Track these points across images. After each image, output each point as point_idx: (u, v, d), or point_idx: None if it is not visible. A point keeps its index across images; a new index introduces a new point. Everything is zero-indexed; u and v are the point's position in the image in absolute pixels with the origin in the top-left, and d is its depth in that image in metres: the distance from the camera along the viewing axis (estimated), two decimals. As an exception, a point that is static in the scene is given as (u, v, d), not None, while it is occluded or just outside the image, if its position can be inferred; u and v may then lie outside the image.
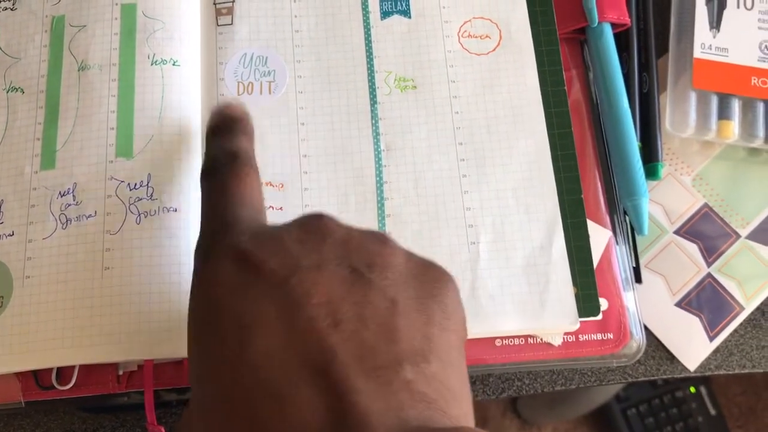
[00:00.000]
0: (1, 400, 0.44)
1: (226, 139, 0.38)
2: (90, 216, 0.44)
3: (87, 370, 0.44)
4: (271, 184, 0.46)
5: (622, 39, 0.51)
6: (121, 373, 0.44)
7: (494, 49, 0.49)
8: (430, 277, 0.32)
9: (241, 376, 0.27)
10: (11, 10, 0.49)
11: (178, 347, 0.42)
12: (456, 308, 0.32)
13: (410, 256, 0.32)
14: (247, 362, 0.27)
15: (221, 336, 0.29)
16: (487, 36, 0.49)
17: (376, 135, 0.47)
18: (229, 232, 0.32)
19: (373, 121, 0.48)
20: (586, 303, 0.44)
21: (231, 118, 0.39)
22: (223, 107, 0.40)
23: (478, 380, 0.46)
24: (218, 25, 0.49)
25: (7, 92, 0.48)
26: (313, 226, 0.31)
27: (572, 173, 0.47)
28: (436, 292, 0.31)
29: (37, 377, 0.44)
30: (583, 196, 0.46)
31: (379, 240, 0.32)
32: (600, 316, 0.44)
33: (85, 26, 0.48)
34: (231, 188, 0.35)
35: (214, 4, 0.49)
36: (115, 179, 0.45)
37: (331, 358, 0.27)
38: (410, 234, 0.45)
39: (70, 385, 0.44)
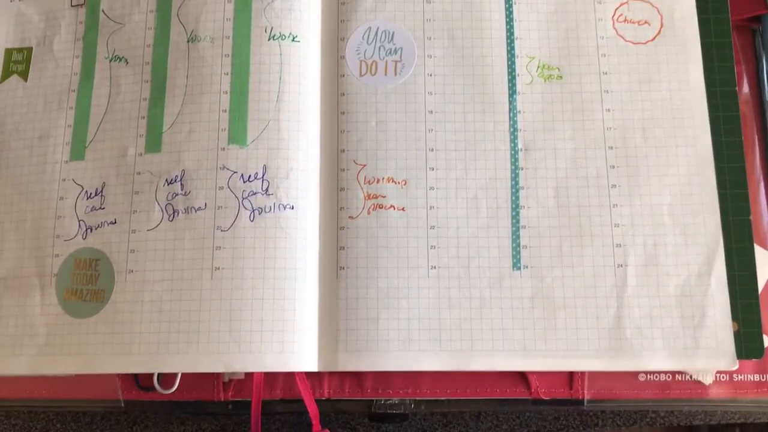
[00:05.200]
0: (100, 396, 0.42)
1: None
2: (200, 208, 0.40)
3: (191, 374, 0.41)
4: (392, 180, 0.41)
5: (803, 30, 0.44)
6: (227, 380, 0.41)
7: (654, 38, 0.43)
8: None
9: None
10: (115, -33, 0.45)
11: (291, 359, 0.38)
12: None
13: None
14: None
15: None
16: (645, 22, 0.43)
17: (514, 131, 0.42)
18: None
19: (511, 114, 0.42)
20: (748, 342, 0.39)
21: None
22: None
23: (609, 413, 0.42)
24: (341, -6, 0.43)
25: (110, 61, 0.43)
26: None
27: (740, 190, 0.41)
28: None
29: (137, 377, 0.41)
30: (751, 217, 0.40)
31: None
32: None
33: (195, -9, 0.43)
34: None
35: (338, -31, 0.44)
36: (228, 169, 0.41)
37: None
38: (548, 250, 0.40)
39: (173, 389, 0.41)
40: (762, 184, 0.42)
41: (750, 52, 0.44)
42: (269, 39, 0.42)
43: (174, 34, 0.43)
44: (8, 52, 0.45)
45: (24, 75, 0.45)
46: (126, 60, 0.43)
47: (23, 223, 0.42)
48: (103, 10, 0.44)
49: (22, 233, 0.42)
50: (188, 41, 0.42)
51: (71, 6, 0.45)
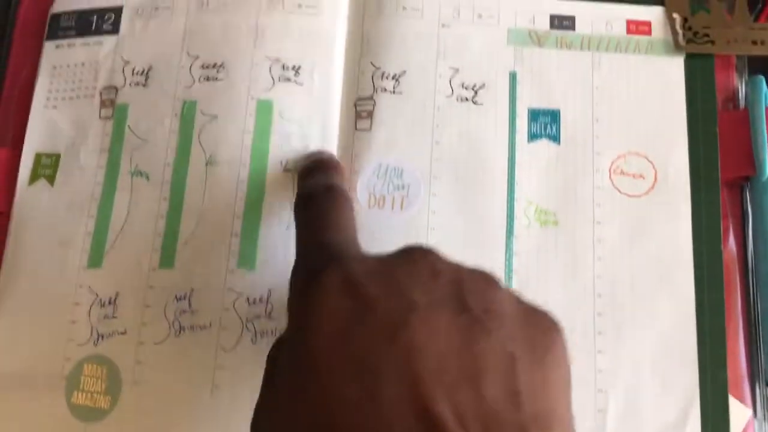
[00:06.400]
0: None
1: (320, 176, 0.40)
2: (204, 327, 0.43)
3: (185, 487, 0.43)
4: (391, 311, 0.43)
5: (789, 192, 0.46)
6: (219, 495, 0.43)
7: (647, 192, 0.45)
8: (542, 328, 0.30)
9: (365, 420, 0.25)
10: (143, 86, 0.47)
11: (281, 483, 0.40)
12: (567, 363, 0.30)
13: (519, 302, 0.31)
14: (371, 409, 0.25)
15: (339, 376, 0.26)
16: (641, 176, 0.45)
17: (509, 272, 0.44)
18: (335, 260, 0.31)
19: (507, 255, 0.44)
20: (718, 499, 0.41)
21: (322, 159, 0.42)
22: (315, 152, 0.44)
23: None
24: (356, 130, 0.46)
25: (132, 176, 0.46)
26: (423, 260, 0.30)
27: (718, 347, 0.43)
28: (549, 345, 0.29)
29: (134, 484, 0.43)
30: (727, 374, 0.42)
31: (490, 281, 0.30)
32: None
33: (216, 117, 0.46)
34: (330, 215, 0.36)
35: (355, 106, 0.46)
36: (234, 291, 0.43)
37: (447, 418, 0.25)
38: (534, 391, 0.42)
39: (167, 499, 0.43)
40: (742, 339, 0.44)
41: (738, 206, 0.46)
42: (284, 170, 0.44)
43: (194, 155, 0.45)
44: (38, 156, 0.48)
45: (51, 180, 0.47)
46: (147, 176, 0.46)
47: (38, 323, 0.44)
48: (129, 126, 0.47)
49: (36, 333, 0.44)
50: (206, 164, 0.45)
51: (100, 118, 0.48)
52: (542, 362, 0.28)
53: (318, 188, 0.38)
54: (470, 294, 0.29)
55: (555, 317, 0.31)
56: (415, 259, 0.30)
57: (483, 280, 0.30)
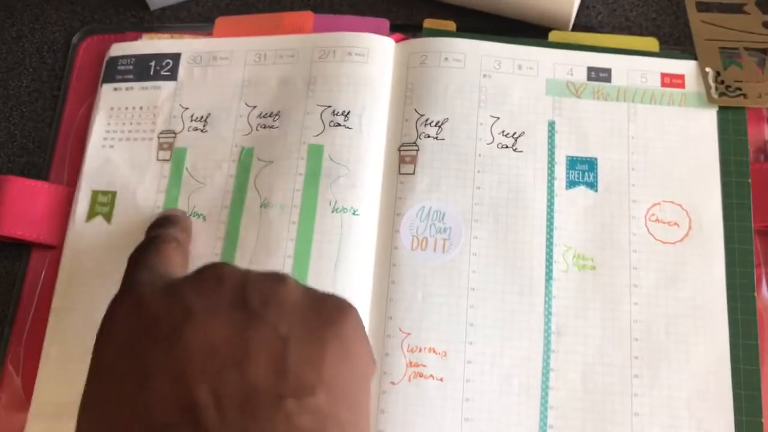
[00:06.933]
0: None
1: (159, 229, 0.44)
2: (256, 363, 0.44)
3: None
4: (434, 351, 0.45)
5: (820, 242, 0.47)
6: None
7: (682, 239, 0.47)
8: (328, 308, 0.33)
9: (136, 416, 0.29)
10: (201, 131, 0.50)
11: None
12: (356, 338, 0.33)
13: (308, 291, 0.33)
14: (141, 402, 0.29)
15: (120, 383, 0.30)
16: (675, 223, 0.47)
17: (548, 314, 0.46)
18: (133, 287, 0.35)
19: (546, 298, 0.46)
20: None
21: (166, 216, 0.46)
22: (165, 210, 0.48)
23: None
24: (400, 174, 0.48)
25: (190, 216, 0.48)
26: (210, 273, 0.33)
27: (753, 392, 0.44)
28: (332, 324, 0.32)
29: None
30: (763, 419, 0.44)
31: (276, 279, 0.33)
32: None
33: (272, 162, 0.48)
34: (146, 258, 0.39)
35: (399, 150, 0.49)
36: (285, 329, 0.45)
37: (206, 402, 0.28)
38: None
39: None
40: (775, 384, 0.45)
41: (770, 255, 0.48)
42: (332, 211, 0.47)
43: (249, 198, 0.48)
44: (95, 193, 0.50)
45: (108, 217, 0.49)
46: (204, 217, 0.48)
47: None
48: (187, 168, 0.49)
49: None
50: (261, 206, 0.47)
51: (157, 160, 0.50)
52: (320, 337, 0.31)
53: (146, 239, 0.42)
54: (252, 293, 0.32)
55: (346, 301, 0.34)
56: (202, 273, 0.34)
57: (270, 279, 0.33)
